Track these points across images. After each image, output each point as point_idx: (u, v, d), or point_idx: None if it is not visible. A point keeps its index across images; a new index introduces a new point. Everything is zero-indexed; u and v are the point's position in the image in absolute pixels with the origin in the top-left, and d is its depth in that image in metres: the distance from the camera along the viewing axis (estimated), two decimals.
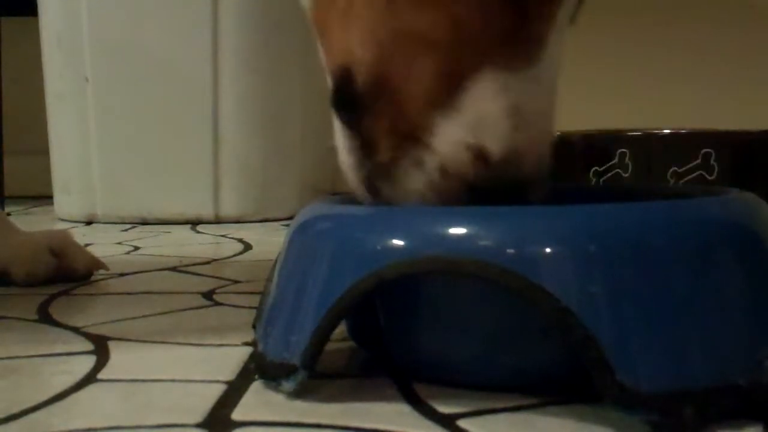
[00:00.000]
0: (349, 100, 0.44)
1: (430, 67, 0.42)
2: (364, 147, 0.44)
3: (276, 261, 0.47)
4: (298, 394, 0.42)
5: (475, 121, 0.42)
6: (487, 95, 0.42)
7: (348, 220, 0.43)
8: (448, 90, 0.42)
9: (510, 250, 0.38)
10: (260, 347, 0.45)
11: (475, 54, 0.42)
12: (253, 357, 0.45)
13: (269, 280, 0.48)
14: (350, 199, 0.50)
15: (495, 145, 0.42)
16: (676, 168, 0.80)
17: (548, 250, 0.37)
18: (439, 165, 0.42)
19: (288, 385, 0.42)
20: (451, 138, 0.42)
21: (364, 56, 0.43)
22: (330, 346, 0.42)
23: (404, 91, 0.43)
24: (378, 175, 0.44)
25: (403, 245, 0.39)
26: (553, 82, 0.44)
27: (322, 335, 0.41)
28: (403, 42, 0.42)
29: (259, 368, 0.44)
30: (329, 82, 0.46)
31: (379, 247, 0.40)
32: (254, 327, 0.49)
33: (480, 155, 0.42)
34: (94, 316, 0.64)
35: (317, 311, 0.41)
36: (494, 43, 0.42)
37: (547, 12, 0.42)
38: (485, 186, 0.42)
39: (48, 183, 1.46)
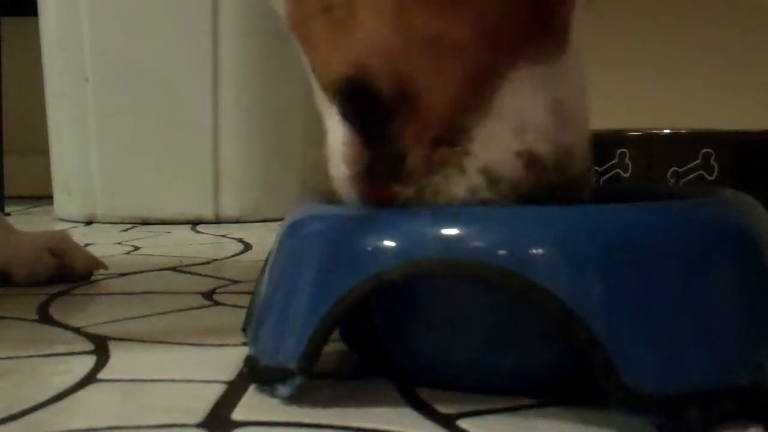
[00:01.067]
0: (364, 110, 0.42)
1: (459, 68, 0.40)
2: (386, 154, 0.42)
3: (266, 263, 0.47)
4: (295, 397, 0.41)
5: (519, 123, 0.40)
6: (527, 92, 0.40)
7: (343, 221, 0.42)
8: (483, 91, 0.40)
9: (513, 252, 0.37)
10: (252, 351, 0.44)
11: (504, 49, 0.40)
12: (246, 361, 0.45)
13: (259, 282, 0.47)
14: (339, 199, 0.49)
15: (545, 147, 0.40)
16: (676, 168, 0.80)
17: (552, 252, 0.37)
18: (484, 172, 0.40)
19: (284, 390, 0.41)
20: (496, 143, 0.40)
21: (383, 63, 0.41)
22: (329, 347, 0.42)
23: (434, 96, 0.40)
24: (408, 182, 0.41)
25: (404, 247, 0.39)
26: (582, 69, 0.41)
27: (320, 339, 0.40)
28: (425, 44, 0.40)
29: (253, 372, 0.44)
30: (325, 93, 0.44)
31: (379, 249, 0.39)
32: (244, 330, 0.48)
33: (531, 160, 0.39)
34: (94, 316, 0.64)
35: (314, 314, 0.40)
36: (522, 34, 0.40)
37: None
38: (537, 193, 0.40)
39: (48, 183, 1.45)
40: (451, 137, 0.41)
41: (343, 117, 0.43)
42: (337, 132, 0.44)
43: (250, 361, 0.44)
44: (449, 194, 0.41)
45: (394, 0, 0.40)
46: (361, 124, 0.43)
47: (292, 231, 0.45)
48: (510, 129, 0.40)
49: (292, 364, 0.40)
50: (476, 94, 0.40)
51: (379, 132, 0.42)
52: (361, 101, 0.42)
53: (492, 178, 0.40)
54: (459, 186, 0.40)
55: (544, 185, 0.40)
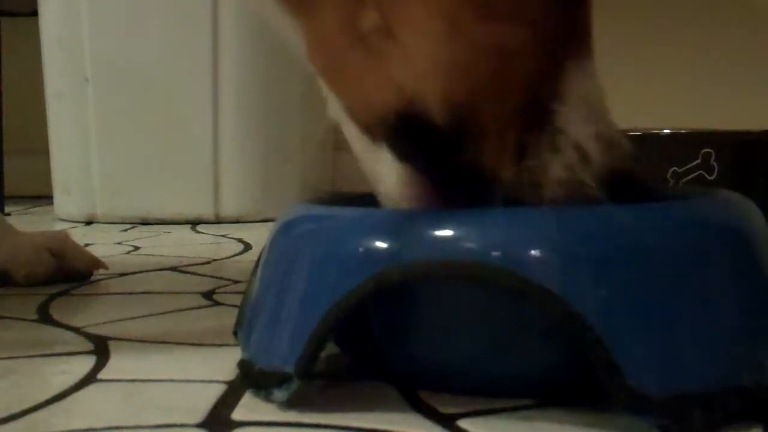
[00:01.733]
0: (422, 137, 0.40)
1: (523, 71, 0.39)
2: (466, 180, 0.41)
3: (256, 264, 0.46)
4: (294, 398, 0.41)
5: (589, 111, 0.40)
6: (587, 84, 0.40)
7: (339, 221, 0.42)
8: (551, 90, 0.40)
9: (517, 253, 0.37)
10: (245, 354, 0.43)
11: (556, 51, 0.40)
12: (239, 365, 0.44)
13: (250, 283, 0.46)
14: (336, 198, 0.49)
15: (615, 132, 0.41)
16: (676, 168, 0.80)
17: (556, 252, 0.37)
18: (576, 148, 0.40)
19: (280, 394, 0.40)
20: (578, 126, 0.40)
21: (436, 89, 0.39)
22: (328, 347, 0.42)
23: (504, 104, 0.39)
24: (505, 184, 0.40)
25: (406, 247, 0.39)
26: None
27: (318, 342, 0.40)
28: (483, 57, 0.39)
29: (247, 377, 0.43)
30: (366, 134, 0.42)
31: (376, 251, 0.39)
32: (235, 334, 0.47)
33: (609, 142, 0.40)
34: (94, 316, 0.64)
35: (309, 317, 0.40)
36: (563, 36, 0.40)
37: None
38: (616, 177, 0.40)
39: (48, 183, 1.45)
40: (534, 125, 0.40)
41: (398, 157, 0.41)
42: (390, 174, 0.42)
43: (244, 366, 0.43)
44: (549, 176, 0.40)
45: (442, 17, 0.38)
46: (422, 159, 0.41)
47: (285, 230, 0.44)
48: (584, 115, 0.40)
49: (289, 368, 0.40)
50: (548, 93, 0.40)
51: (447, 162, 0.40)
52: (416, 135, 0.40)
53: (584, 156, 0.40)
54: (557, 166, 0.40)
55: (621, 169, 0.40)
